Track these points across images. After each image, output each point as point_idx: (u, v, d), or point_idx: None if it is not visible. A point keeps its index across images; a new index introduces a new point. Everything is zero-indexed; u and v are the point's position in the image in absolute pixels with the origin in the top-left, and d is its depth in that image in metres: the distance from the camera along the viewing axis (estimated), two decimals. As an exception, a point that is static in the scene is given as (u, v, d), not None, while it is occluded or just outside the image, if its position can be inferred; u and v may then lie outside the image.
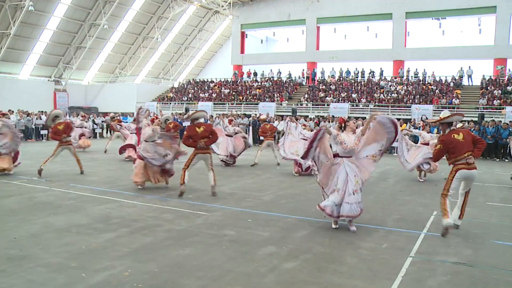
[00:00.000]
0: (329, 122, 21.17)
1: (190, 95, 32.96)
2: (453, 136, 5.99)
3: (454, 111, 23.02)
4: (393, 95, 26.44)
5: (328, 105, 26.33)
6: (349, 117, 22.78)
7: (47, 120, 10.93)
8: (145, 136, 8.85)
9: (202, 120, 8.71)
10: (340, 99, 27.21)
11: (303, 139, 11.64)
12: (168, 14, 34.32)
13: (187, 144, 8.15)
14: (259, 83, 32.84)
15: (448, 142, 5.98)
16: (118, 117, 19.14)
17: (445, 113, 6.24)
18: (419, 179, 11.11)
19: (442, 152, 6.08)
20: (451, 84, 26.82)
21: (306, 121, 21.16)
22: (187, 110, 28.57)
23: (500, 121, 19.16)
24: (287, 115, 23.71)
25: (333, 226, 6.14)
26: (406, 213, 7.24)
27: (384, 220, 6.67)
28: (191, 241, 5.34)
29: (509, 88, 24.76)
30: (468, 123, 18.39)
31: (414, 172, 11.30)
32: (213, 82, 34.96)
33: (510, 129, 17.43)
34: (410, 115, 23.17)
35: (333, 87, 29.43)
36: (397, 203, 8.18)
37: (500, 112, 22.33)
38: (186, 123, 23.83)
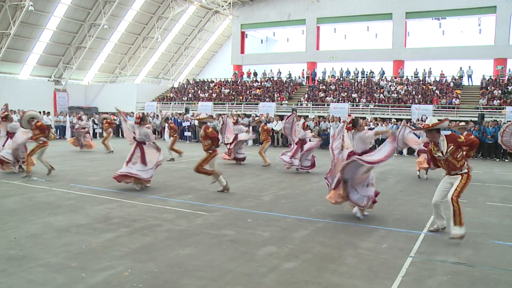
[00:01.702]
0: (329, 122, 21.17)
1: (190, 95, 32.94)
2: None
3: (454, 111, 23.13)
4: (393, 95, 26.42)
5: (328, 105, 26.31)
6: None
7: (22, 122, 10.23)
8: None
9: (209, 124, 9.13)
10: (340, 99, 27.20)
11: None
12: (168, 14, 34.30)
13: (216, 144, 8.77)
14: (259, 83, 32.82)
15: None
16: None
17: (433, 119, 5.81)
18: (421, 177, 11.01)
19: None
20: (451, 84, 26.81)
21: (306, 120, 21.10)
22: (187, 110, 28.57)
23: (501, 121, 19.14)
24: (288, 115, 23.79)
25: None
26: (406, 213, 7.23)
27: (384, 220, 6.67)
28: (191, 241, 5.34)
29: (509, 88, 24.75)
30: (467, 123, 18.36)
31: (414, 173, 11.27)
32: (213, 82, 34.93)
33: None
34: (410, 115, 23.16)
35: (333, 87, 29.43)
36: (397, 203, 8.17)
37: (500, 112, 22.32)
38: (186, 123, 23.93)
